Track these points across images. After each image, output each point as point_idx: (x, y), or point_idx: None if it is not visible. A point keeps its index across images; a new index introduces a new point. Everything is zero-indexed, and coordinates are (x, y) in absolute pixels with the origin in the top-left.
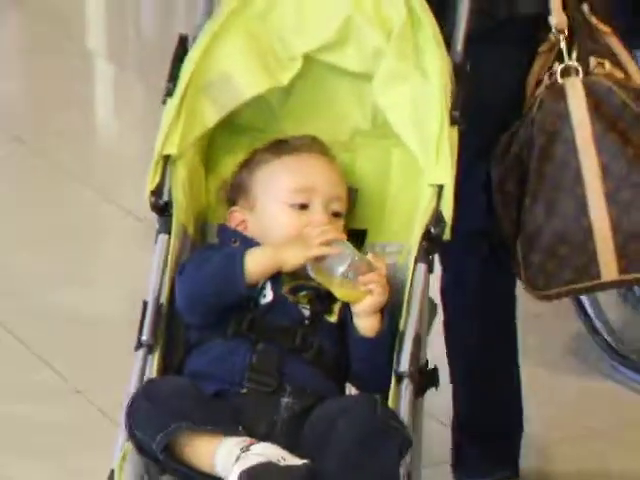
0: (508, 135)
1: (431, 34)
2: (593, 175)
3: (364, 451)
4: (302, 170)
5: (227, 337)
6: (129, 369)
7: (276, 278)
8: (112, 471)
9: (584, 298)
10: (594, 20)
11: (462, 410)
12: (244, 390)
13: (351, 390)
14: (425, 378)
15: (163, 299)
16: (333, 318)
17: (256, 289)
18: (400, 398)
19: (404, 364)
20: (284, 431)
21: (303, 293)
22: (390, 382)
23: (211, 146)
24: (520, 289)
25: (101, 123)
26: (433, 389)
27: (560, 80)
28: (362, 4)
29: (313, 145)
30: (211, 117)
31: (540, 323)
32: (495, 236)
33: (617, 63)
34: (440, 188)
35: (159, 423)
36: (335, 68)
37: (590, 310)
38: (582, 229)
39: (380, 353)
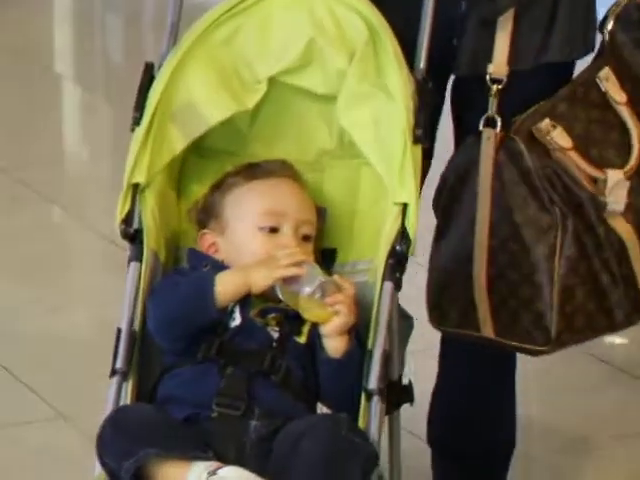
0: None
1: (392, 53)
2: (483, 228)
3: (328, 470)
4: (273, 194)
5: (196, 361)
6: (103, 393)
7: (245, 301)
8: None
9: None
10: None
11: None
12: (214, 414)
13: (322, 410)
14: (398, 394)
15: (136, 326)
16: (302, 339)
17: (226, 312)
18: (370, 415)
19: (373, 381)
20: (253, 454)
21: (272, 315)
22: (361, 401)
23: (182, 171)
24: None
25: (70, 149)
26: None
27: (481, 128)
28: (323, 26)
29: (284, 169)
30: (179, 143)
31: None
32: None
33: (586, 136)
34: (405, 206)
35: (126, 451)
36: (300, 90)
37: None
38: (466, 276)
39: (349, 373)
